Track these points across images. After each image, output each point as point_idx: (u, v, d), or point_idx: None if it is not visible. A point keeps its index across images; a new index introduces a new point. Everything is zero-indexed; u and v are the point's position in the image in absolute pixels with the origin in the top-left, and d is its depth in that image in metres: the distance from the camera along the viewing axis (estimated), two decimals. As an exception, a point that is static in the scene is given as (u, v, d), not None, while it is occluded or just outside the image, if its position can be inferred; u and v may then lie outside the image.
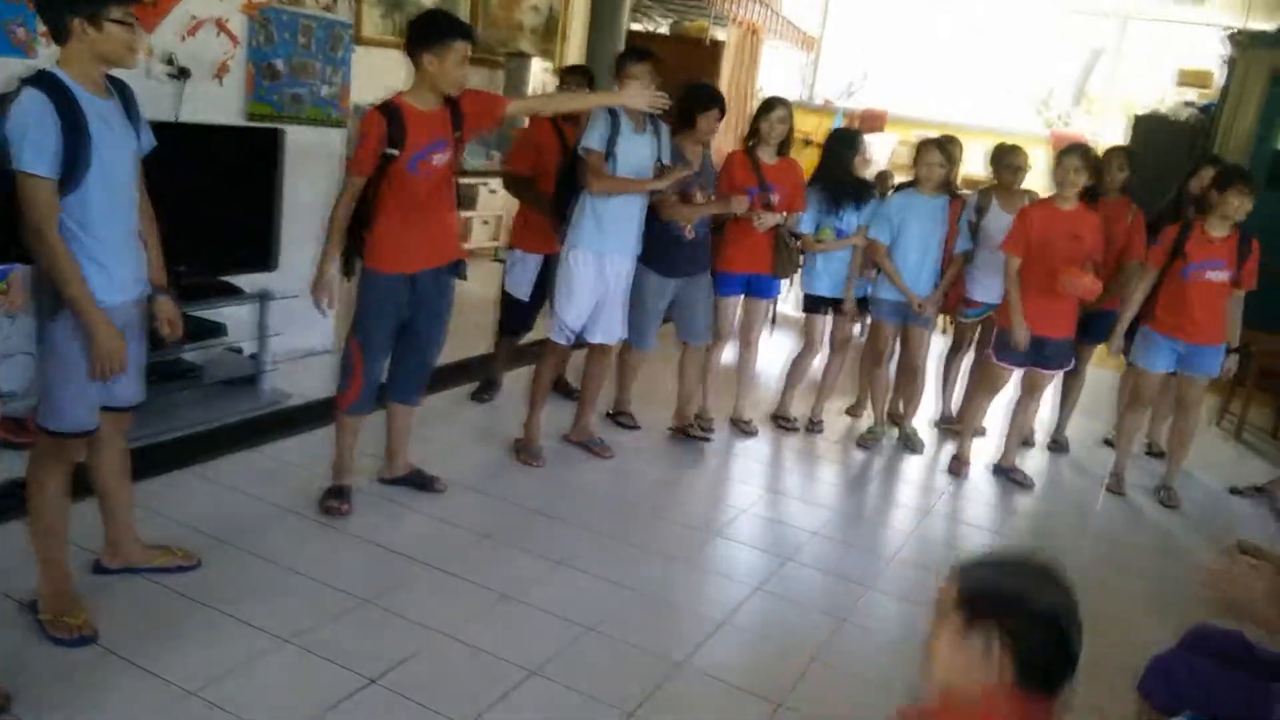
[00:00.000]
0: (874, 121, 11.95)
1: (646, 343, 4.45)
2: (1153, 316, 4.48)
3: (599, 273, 3.97)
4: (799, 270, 4.93)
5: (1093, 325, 4.73)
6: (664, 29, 10.57)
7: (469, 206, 7.78)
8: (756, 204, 4.37)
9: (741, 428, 4.90)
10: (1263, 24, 8.39)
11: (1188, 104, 8.69)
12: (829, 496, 4.42)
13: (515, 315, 4.74)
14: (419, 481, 3.74)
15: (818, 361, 5.12)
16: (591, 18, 7.64)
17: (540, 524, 3.66)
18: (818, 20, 13.07)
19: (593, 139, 3.84)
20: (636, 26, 10.43)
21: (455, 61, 3.16)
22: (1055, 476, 5.04)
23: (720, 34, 9.88)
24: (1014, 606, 1.43)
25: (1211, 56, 9.11)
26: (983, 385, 4.76)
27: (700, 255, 4.38)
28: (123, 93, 2.58)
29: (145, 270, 2.67)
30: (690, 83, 4.46)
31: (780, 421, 5.08)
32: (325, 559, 3.18)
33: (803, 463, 4.77)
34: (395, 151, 3.17)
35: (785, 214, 4.56)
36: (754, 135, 4.54)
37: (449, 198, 3.46)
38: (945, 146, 4.80)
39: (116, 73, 2.56)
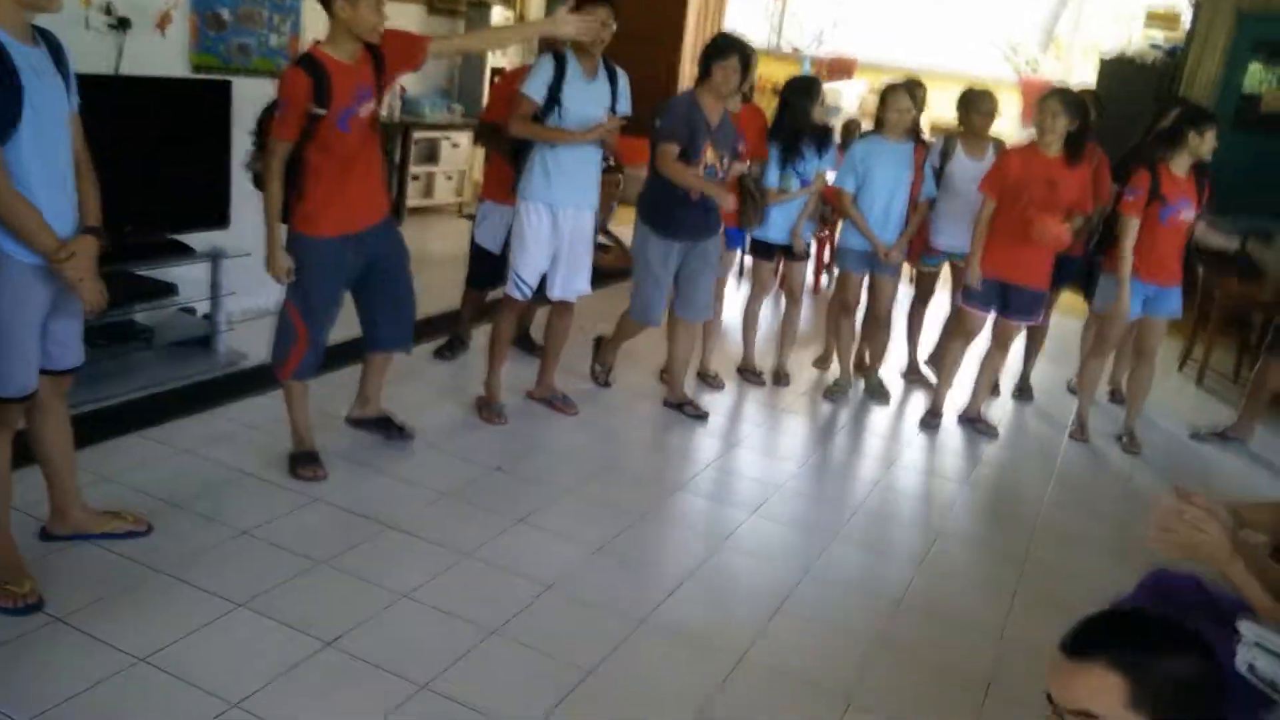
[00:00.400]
0: (842, 69, 11.86)
1: (649, 315, 4.23)
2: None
3: (553, 226, 3.89)
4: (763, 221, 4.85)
5: (1057, 270, 4.71)
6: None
7: (431, 161, 7.62)
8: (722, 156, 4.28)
9: (709, 381, 4.86)
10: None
11: (1154, 46, 8.63)
12: (795, 449, 4.40)
13: (486, 268, 4.62)
14: (388, 427, 3.69)
15: (773, 311, 5.11)
16: (552, -37, 7.42)
17: (501, 482, 3.62)
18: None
19: (531, 85, 3.73)
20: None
21: (370, 5, 2.99)
22: (1020, 424, 5.06)
23: (686, -20, 9.66)
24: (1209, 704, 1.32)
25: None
26: (956, 332, 4.71)
27: (710, 218, 4.12)
28: (50, 43, 2.45)
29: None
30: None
31: (747, 375, 5.04)
32: (281, 521, 3.12)
33: (769, 416, 4.74)
34: (323, 110, 3.03)
35: (750, 162, 4.49)
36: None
37: (377, 147, 3.35)
38: (912, 91, 4.72)
39: (48, 23, 2.44)
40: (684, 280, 4.24)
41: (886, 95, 4.67)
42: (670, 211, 4.04)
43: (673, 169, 3.92)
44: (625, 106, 3.92)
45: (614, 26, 3.75)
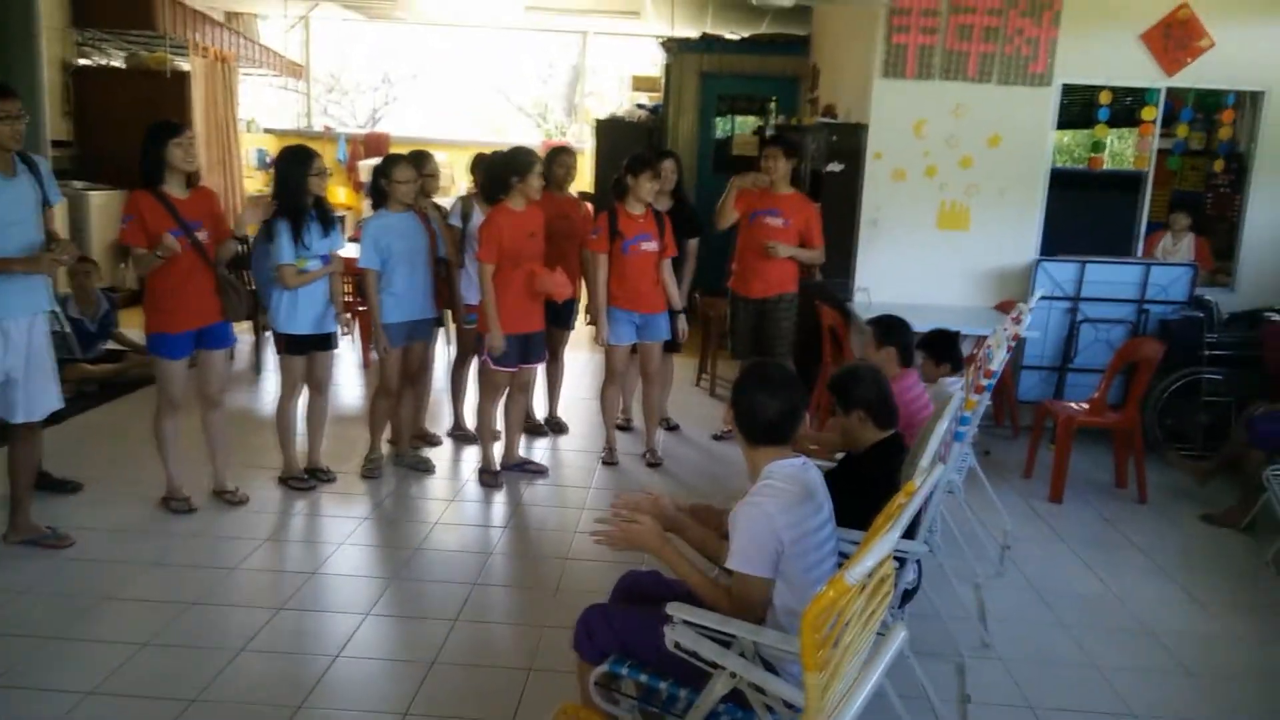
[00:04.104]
0: (377, 145, 11.94)
1: None
2: (610, 295, 4.91)
3: (4, 344, 3.45)
4: (260, 310, 4.60)
5: (561, 312, 5.09)
6: (119, 62, 9.59)
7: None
8: (185, 245, 3.98)
9: (227, 499, 4.44)
10: (688, 31, 9.64)
11: (640, 106, 9.72)
12: (337, 533, 4.22)
13: None
14: None
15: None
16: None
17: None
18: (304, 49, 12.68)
19: None
20: (86, 62, 9.37)
21: None
22: (560, 458, 5.34)
23: (184, 64, 9.18)
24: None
25: (658, 63, 10.31)
26: (487, 391, 4.81)
27: None
28: None
29: None
30: None
31: (292, 482, 4.69)
32: None
33: (312, 510, 4.50)
34: None
35: (220, 246, 4.22)
36: (158, 170, 3.99)
37: None
38: (415, 161, 4.83)
39: None
40: None
41: (388, 168, 4.67)
42: None
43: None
44: (55, 195, 3.57)
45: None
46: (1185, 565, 4.32)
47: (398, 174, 4.63)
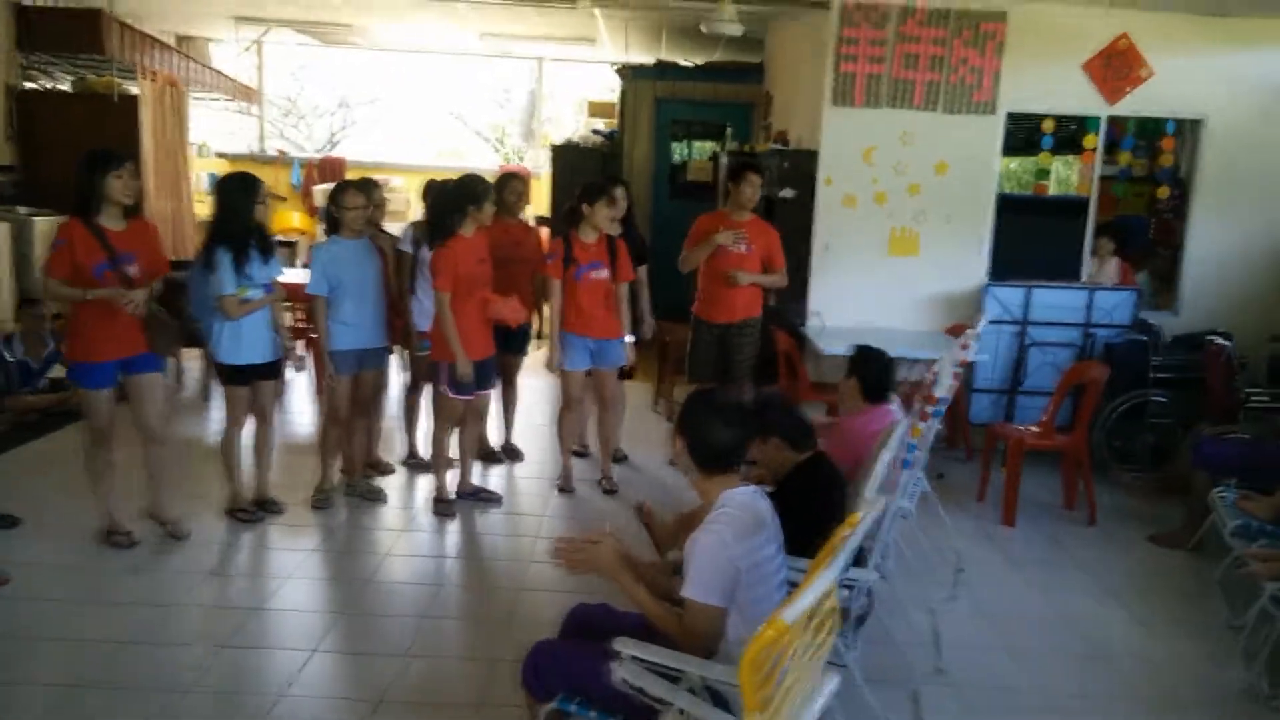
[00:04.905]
0: (333, 169, 11.86)
1: None
2: (564, 321, 4.89)
3: None
4: (192, 342, 4.50)
5: (514, 338, 5.08)
6: (66, 86, 9.42)
7: None
8: (111, 280, 3.86)
9: (168, 530, 4.32)
10: (642, 58, 9.71)
11: (596, 131, 9.76)
12: (285, 566, 4.13)
13: None
14: None
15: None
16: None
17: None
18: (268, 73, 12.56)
19: None
20: (32, 85, 9.20)
21: None
22: (515, 485, 5.29)
23: (133, 88, 9.05)
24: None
25: (614, 89, 10.36)
26: (442, 419, 4.74)
27: None
28: None
29: None
30: None
31: (238, 514, 4.57)
32: None
33: (259, 543, 4.41)
34: None
35: (153, 282, 4.07)
36: (93, 201, 3.87)
37: None
38: (364, 188, 4.78)
39: None
40: None
41: (338, 195, 4.63)
42: None
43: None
44: None
45: None
46: (1133, 587, 4.38)
47: (347, 200, 4.61)
